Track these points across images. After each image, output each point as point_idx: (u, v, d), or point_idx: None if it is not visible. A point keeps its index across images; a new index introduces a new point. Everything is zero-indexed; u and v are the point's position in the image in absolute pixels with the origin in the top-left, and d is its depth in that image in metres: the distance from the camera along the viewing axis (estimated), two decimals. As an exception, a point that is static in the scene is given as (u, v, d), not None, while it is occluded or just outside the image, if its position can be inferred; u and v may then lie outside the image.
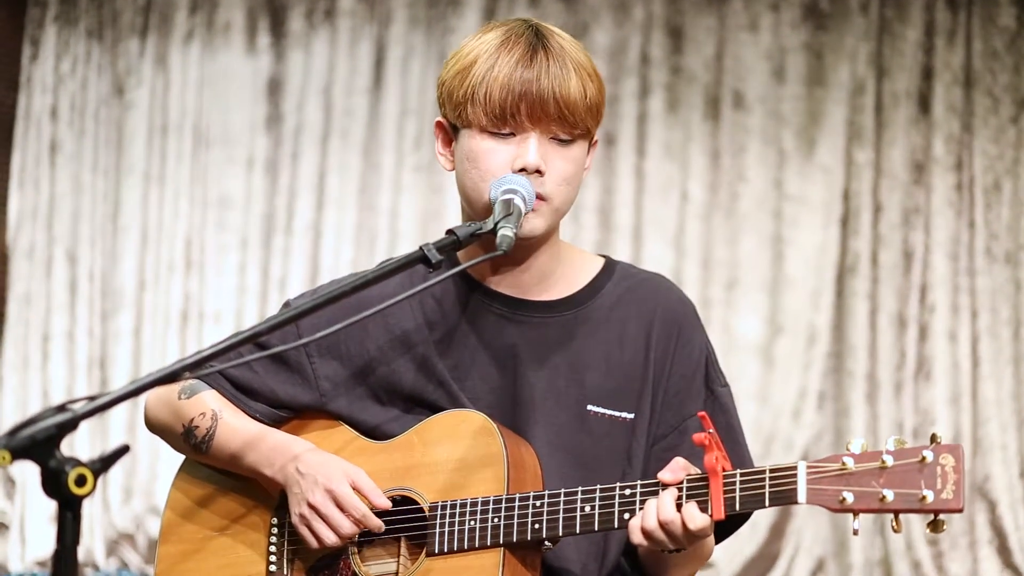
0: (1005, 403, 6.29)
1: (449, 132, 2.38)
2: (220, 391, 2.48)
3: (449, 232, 2.21)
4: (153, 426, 2.56)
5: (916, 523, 5.93)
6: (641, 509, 2.17)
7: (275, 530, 2.46)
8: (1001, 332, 6.33)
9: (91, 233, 7.01)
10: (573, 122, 2.29)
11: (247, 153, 6.92)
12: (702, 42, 6.60)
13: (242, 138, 6.93)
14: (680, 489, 2.15)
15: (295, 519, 2.37)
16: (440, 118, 2.40)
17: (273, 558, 2.45)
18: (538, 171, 2.27)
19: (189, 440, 2.48)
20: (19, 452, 1.70)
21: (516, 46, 2.29)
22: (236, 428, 2.45)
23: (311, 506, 2.34)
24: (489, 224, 2.21)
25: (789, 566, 6.32)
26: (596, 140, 2.41)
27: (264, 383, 2.47)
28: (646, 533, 2.16)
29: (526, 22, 2.35)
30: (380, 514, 2.35)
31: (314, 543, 2.36)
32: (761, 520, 6.30)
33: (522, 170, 2.27)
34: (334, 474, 2.35)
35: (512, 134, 2.29)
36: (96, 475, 1.72)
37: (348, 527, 2.34)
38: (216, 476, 2.52)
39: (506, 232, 2.18)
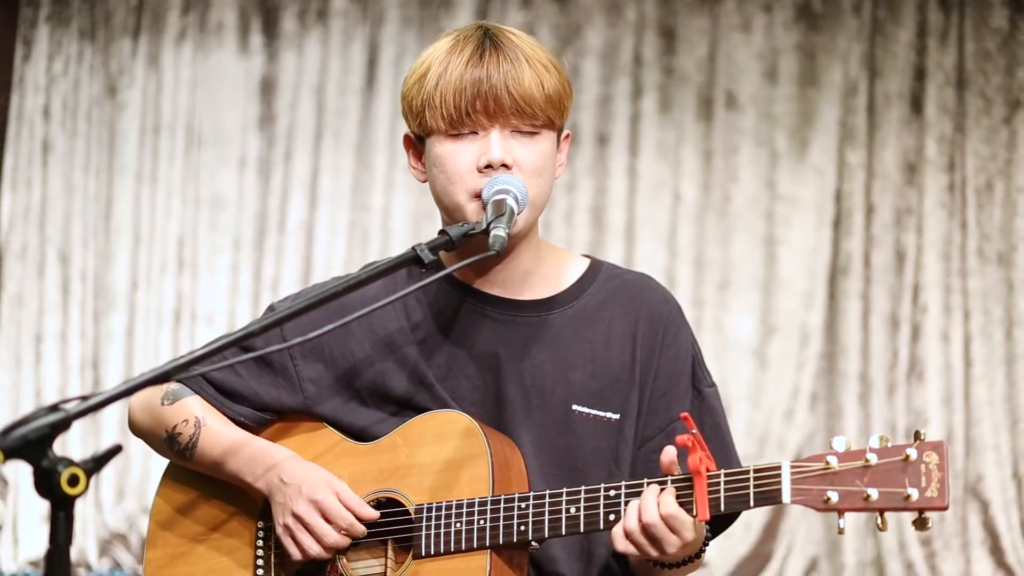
0: (997, 404, 6.28)
1: (417, 144, 2.39)
2: (203, 395, 2.46)
3: (442, 232, 2.20)
4: (137, 431, 2.54)
5: (908, 523, 5.91)
6: (626, 510, 2.16)
7: (261, 534, 2.45)
8: (993, 333, 6.32)
9: (83, 233, 7.00)
10: (532, 113, 2.28)
11: (240, 153, 6.92)
12: (695, 43, 6.59)
13: (234, 138, 6.92)
14: (664, 485, 2.15)
15: (279, 529, 2.36)
16: (407, 132, 2.40)
17: (260, 562, 2.44)
18: (505, 165, 2.27)
19: (173, 447, 2.46)
20: (12, 452, 1.70)
21: (465, 47, 2.29)
22: (219, 435, 2.43)
23: (296, 516, 2.33)
24: (482, 224, 2.20)
25: (782, 566, 6.32)
26: (567, 135, 2.40)
27: (248, 386, 2.45)
28: (628, 534, 2.15)
29: (479, 26, 2.35)
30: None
31: (297, 554, 2.34)
32: (754, 519, 6.30)
33: (488, 166, 2.27)
34: (317, 484, 2.33)
35: (474, 132, 2.28)
36: (89, 475, 1.72)
37: (333, 537, 2.32)
38: (202, 481, 2.50)
39: (499, 232, 2.18)
